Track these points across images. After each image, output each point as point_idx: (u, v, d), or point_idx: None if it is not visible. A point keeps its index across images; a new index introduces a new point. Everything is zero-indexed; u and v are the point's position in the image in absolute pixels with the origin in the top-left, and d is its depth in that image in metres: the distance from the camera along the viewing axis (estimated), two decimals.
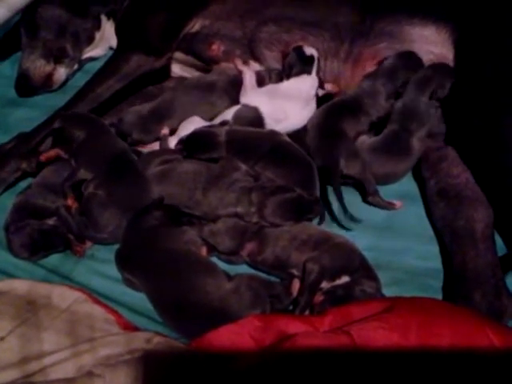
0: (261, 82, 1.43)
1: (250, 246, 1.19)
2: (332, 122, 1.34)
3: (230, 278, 1.13)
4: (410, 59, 1.38)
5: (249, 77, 1.40)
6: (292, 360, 0.94)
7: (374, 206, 1.30)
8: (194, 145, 1.30)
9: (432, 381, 0.89)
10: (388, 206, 1.30)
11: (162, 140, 1.38)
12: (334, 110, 1.37)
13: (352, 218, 1.27)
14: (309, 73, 1.39)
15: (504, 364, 0.91)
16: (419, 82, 1.35)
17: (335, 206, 1.30)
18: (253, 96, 1.38)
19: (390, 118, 1.36)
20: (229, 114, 1.37)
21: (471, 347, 0.93)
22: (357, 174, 1.28)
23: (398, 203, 1.30)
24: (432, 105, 1.34)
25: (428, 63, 1.38)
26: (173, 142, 1.36)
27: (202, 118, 1.39)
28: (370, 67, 1.42)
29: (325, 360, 0.93)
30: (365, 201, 1.31)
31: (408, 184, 1.36)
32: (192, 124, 1.37)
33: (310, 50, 1.40)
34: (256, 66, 1.48)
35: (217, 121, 1.37)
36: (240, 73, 1.42)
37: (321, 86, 1.42)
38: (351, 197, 1.32)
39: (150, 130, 1.39)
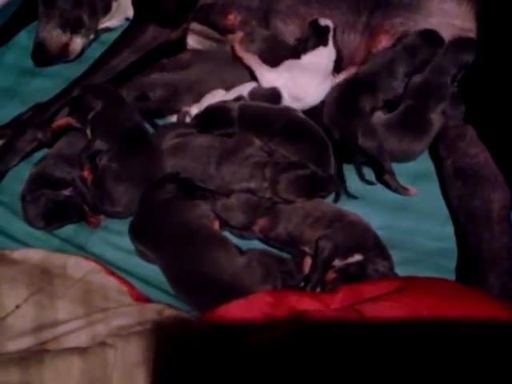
0: None
1: (262, 222, 1.19)
2: (349, 97, 1.32)
3: (242, 252, 1.14)
4: (430, 38, 1.34)
5: (254, 61, 1.35)
6: (302, 335, 0.95)
7: (389, 187, 1.29)
8: (208, 120, 1.30)
9: (441, 356, 0.89)
10: (402, 191, 1.28)
11: (181, 114, 1.38)
12: (351, 86, 1.34)
13: (365, 197, 1.27)
14: (325, 44, 1.35)
15: None
16: (441, 62, 1.32)
17: (351, 184, 1.28)
18: (274, 77, 1.34)
19: (405, 94, 1.33)
20: (245, 90, 1.35)
21: (482, 327, 0.92)
22: (373, 150, 1.26)
23: (412, 190, 1.28)
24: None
25: (448, 37, 1.34)
26: (194, 111, 1.36)
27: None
28: (385, 41, 1.39)
29: (335, 336, 0.94)
30: (379, 179, 1.30)
31: (424, 163, 1.34)
32: (215, 97, 1.36)
33: (324, 21, 1.37)
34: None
35: (232, 95, 1.35)
36: (242, 59, 1.37)
37: (339, 61, 1.39)
38: (366, 175, 1.30)
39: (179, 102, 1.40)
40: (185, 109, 1.39)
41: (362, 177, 1.28)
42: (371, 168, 1.32)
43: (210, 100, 1.35)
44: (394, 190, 1.29)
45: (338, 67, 1.40)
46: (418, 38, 1.34)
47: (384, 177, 1.28)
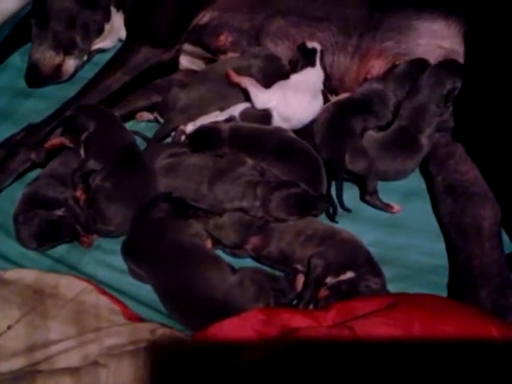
0: None
1: (254, 240, 1.19)
2: (341, 119, 1.33)
3: (234, 271, 1.14)
4: (421, 66, 1.36)
5: (250, 84, 1.37)
6: (295, 353, 0.95)
7: (372, 206, 1.30)
8: (199, 140, 1.31)
9: (433, 373, 0.90)
10: (386, 208, 1.29)
11: (177, 132, 1.39)
12: (344, 108, 1.35)
13: (357, 213, 1.27)
14: (312, 65, 1.38)
15: (506, 359, 0.91)
16: (432, 83, 1.33)
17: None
18: (267, 97, 1.36)
19: (399, 114, 1.34)
20: (236, 111, 1.37)
21: (474, 343, 0.93)
22: (361, 172, 1.27)
23: (396, 207, 1.29)
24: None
25: (437, 58, 1.37)
26: (189, 129, 1.37)
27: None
28: (376, 65, 1.41)
29: (328, 353, 0.94)
30: (362, 199, 1.30)
31: (415, 180, 1.36)
32: (210, 117, 1.37)
33: (311, 44, 1.40)
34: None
35: (224, 116, 1.37)
36: (238, 85, 1.38)
37: (328, 81, 1.41)
38: (358, 192, 1.32)
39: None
40: (181, 127, 1.40)
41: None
42: (357, 185, 1.33)
43: (204, 120, 1.36)
44: (379, 209, 1.29)
45: (327, 87, 1.42)
46: (409, 67, 1.36)
47: (366, 198, 1.29)
